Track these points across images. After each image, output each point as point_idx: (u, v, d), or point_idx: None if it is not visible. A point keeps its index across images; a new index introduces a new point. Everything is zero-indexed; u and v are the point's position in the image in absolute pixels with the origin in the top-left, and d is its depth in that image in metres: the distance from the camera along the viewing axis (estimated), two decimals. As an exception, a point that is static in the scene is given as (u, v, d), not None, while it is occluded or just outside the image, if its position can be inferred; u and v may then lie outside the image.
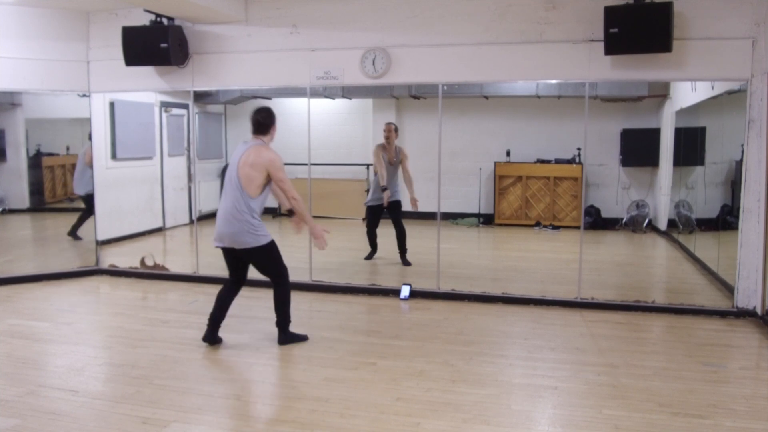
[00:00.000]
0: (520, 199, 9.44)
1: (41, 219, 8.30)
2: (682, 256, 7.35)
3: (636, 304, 5.37)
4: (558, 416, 3.41)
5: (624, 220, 9.16)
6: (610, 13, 4.93)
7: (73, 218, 7.32)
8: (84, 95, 6.62)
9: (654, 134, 8.83)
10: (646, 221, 9.02)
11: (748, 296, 5.13)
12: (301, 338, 4.55)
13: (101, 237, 6.89)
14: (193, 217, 7.48)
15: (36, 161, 7.71)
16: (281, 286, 4.44)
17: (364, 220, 7.60)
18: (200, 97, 8.83)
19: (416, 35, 5.64)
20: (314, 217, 6.27)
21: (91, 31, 6.50)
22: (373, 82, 5.81)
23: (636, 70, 5.20)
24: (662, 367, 4.06)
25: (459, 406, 3.48)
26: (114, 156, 7.78)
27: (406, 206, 6.86)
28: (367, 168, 9.33)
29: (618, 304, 5.40)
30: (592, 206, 9.22)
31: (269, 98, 9.04)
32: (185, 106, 8.59)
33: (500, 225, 9.49)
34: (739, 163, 5.31)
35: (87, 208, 7.05)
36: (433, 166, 6.00)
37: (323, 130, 9.35)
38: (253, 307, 5.20)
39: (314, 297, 5.83)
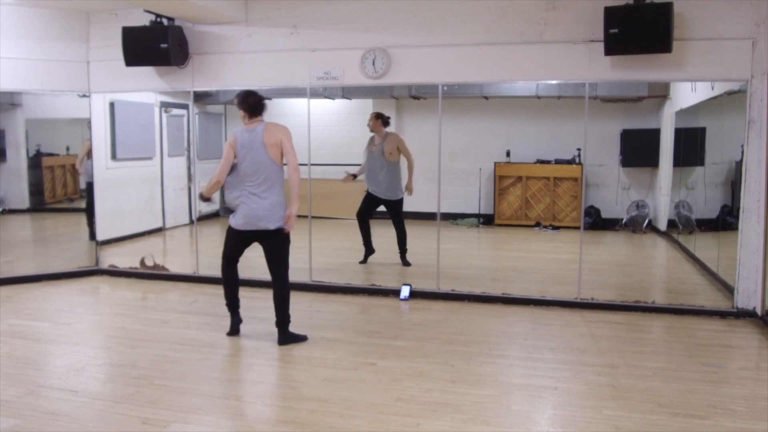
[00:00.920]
0: (520, 200, 9.44)
1: (41, 219, 8.29)
2: (682, 257, 7.35)
3: (636, 305, 5.37)
4: (558, 417, 3.41)
5: (624, 221, 9.16)
6: (610, 13, 4.93)
7: (73, 218, 7.31)
8: (84, 95, 6.62)
9: (654, 135, 8.82)
10: (646, 222, 9.01)
11: (748, 297, 5.13)
12: (301, 338, 4.55)
13: (101, 237, 6.89)
14: (193, 218, 7.47)
15: (36, 161, 7.70)
16: (283, 280, 4.45)
17: None
18: (200, 97, 8.81)
19: (416, 35, 5.64)
20: (314, 217, 6.33)
21: (91, 31, 6.51)
22: (373, 82, 5.81)
23: (636, 71, 5.20)
24: (662, 368, 4.06)
25: (459, 406, 3.48)
26: (114, 156, 7.77)
27: (407, 206, 6.85)
28: (367, 168, 9.31)
29: (618, 305, 5.40)
30: (592, 207, 9.22)
31: (269, 98, 8.99)
32: (185, 107, 8.58)
33: (500, 225, 9.49)
34: (739, 164, 5.31)
35: (88, 200, 7.02)
36: (433, 166, 6.01)
37: (323, 130, 9.33)
38: (253, 307, 5.19)
39: (314, 297, 5.83)
